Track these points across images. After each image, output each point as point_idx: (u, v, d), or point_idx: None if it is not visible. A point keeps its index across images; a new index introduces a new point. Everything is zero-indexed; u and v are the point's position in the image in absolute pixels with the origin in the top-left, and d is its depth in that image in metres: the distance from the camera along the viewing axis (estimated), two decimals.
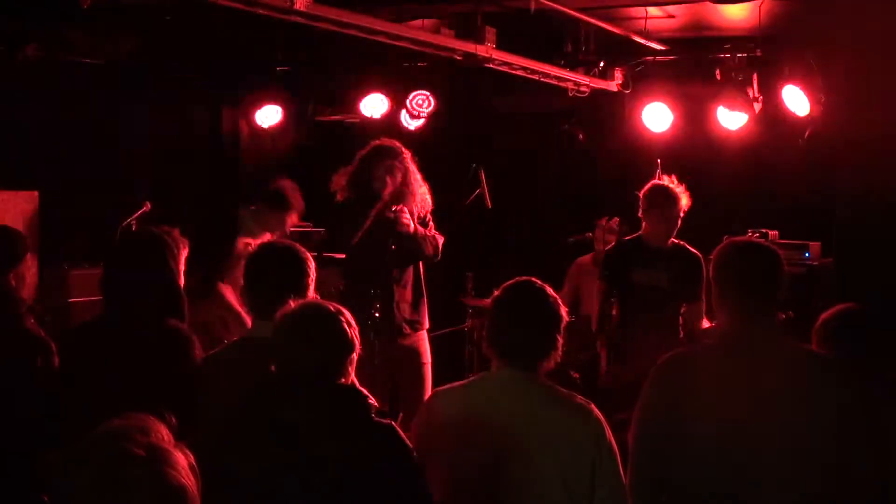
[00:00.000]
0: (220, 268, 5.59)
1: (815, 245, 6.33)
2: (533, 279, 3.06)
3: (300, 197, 5.95)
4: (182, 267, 3.49)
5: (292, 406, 2.53)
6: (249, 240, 5.41)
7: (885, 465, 2.84)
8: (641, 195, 5.30)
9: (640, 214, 5.34)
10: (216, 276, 5.57)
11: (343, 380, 2.66)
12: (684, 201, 5.24)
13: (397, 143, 5.42)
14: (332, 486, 2.47)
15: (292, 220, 5.94)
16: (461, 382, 3.10)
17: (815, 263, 6.26)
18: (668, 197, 5.21)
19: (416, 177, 5.35)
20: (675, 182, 5.31)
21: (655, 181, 5.43)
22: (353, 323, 2.71)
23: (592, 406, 2.95)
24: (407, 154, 5.36)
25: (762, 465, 2.76)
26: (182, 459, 1.61)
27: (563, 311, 3.02)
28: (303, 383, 2.58)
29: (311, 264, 3.29)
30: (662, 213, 5.20)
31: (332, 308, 2.70)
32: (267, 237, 5.52)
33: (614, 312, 5.26)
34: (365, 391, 2.64)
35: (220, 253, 5.90)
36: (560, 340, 2.97)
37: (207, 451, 2.37)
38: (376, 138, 5.51)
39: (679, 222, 5.24)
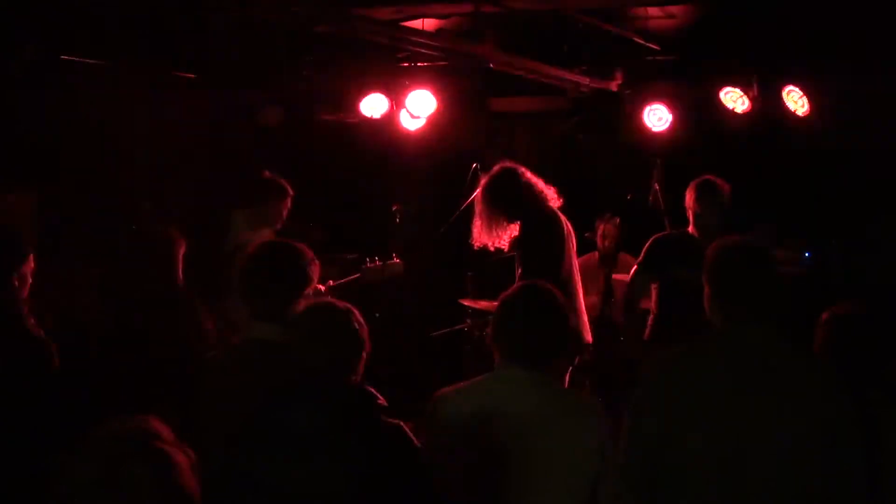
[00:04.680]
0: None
1: (815, 245, 6.33)
2: (540, 282, 3.08)
3: (284, 181, 5.98)
4: (180, 264, 3.49)
5: (303, 406, 2.53)
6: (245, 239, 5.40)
7: (883, 470, 2.83)
8: (690, 189, 5.17)
9: (687, 205, 5.20)
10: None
11: (354, 379, 2.66)
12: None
13: None
14: (340, 486, 2.47)
15: (288, 205, 5.94)
16: (467, 382, 3.10)
17: (816, 264, 6.26)
18: (716, 190, 5.07)
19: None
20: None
21: (705, 177, 5.26)
22: (363, 322, 2.71)
23: (598, 405, 2.96)
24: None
25: (753, 469, 2.74)
26: (183, 459, 1.62)
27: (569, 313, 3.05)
28: (314, 383, 2.58)
29: (312, 263, 3.27)
30: (709, 206, 5.06)
31: (343, 307, 2.70)
32: (267, 234, 5.52)
33: (652, 307, 5.14)
34: (374, 391, 2.64)
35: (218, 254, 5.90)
36: (567, 341, 2.99)
37: (215, 451, 2.38)
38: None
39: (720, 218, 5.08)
